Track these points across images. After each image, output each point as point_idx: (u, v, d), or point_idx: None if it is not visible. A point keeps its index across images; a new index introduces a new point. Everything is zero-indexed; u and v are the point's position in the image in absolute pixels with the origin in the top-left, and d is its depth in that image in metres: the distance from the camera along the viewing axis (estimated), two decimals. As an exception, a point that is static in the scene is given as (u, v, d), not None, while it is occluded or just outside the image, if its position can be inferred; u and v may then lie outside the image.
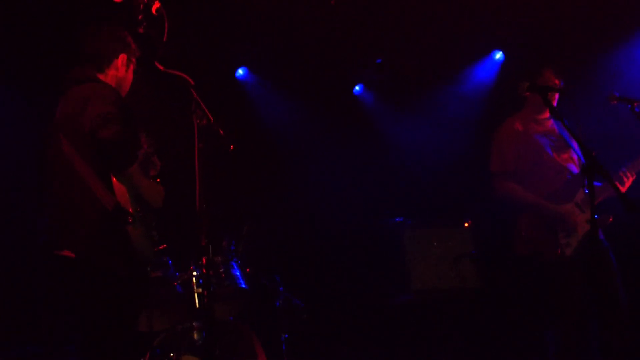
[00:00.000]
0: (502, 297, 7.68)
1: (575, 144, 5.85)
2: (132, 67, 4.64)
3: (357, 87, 9.05)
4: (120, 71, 4.57)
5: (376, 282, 7.99)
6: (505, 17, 7.68)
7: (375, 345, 7.78)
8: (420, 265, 7.47)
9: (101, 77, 4.49)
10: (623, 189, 5.61)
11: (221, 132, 4.15)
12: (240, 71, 8.47)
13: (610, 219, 5.59)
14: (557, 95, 5.83)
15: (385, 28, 7.93)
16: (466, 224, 7.70)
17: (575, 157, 5.88)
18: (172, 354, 5.63)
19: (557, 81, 5.79)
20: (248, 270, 6.35)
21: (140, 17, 3.87)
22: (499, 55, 8.51)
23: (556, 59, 7.36)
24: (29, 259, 5.88)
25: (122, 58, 4.58)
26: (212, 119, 4.09)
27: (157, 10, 3.92)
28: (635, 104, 5.44)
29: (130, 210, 4.28)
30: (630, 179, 5.72)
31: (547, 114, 5.96)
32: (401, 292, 7.39)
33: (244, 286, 6.15)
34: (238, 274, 6.19)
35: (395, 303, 7.49)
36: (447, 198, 8.35)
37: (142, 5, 3.87)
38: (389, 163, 8.74)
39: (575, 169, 5.83)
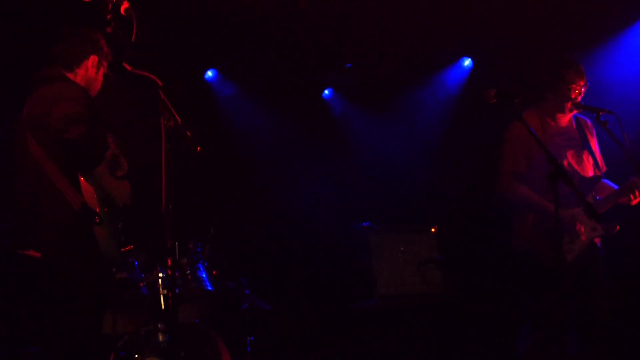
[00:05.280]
0: (467, 302, 7.71)
1: (592, 146, 5.72)
2: (102, 70, 4.63)
3: (326, 91, 9.06)
4: (90, 72, 4.56)
5: (342, 286, 8.00)
6: (474, 24, 7.72)
7: (340, 350, 7.78)
8: (387, 270, 7.48)
9: (70, 76, 4.47)
10: (635, 201, 5.47)
11: (188, 133, 4.15)
12: (209, 73, 8.44)
13: (617, 228, 5.46)
14: (582, 90, 5.60)
15: (355, 33, 7.96)
16: (433, 229, 7.72)
17: (590, 159, 5.68)
18: (136, 356, 5.60)
19: (582, 82, 5.58)
20: (214, 272, 6.34)
21: (108, 17, 3.86)
22: (467, 62, 8.56)
23: (526, 66, 7.43)
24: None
25: (92, 59, 4.57)
26: (179, 120, 4.08)
27: (125, 10, 3.91)
28: (600, 113, 5.39)
29: (98, 210, 4.26)
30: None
31: (566, 111, 5.67)
32: (367, 297, 7.40)
33: (210, 288, 6.14)
34: (204, 276, 6.18)
35: (360, 307, 7.49)
36: (414, 203, 8.37)
37: (110, 5, 3.86)
38: (356, 167, 8.75)
39: (588, 172, 5.63)
